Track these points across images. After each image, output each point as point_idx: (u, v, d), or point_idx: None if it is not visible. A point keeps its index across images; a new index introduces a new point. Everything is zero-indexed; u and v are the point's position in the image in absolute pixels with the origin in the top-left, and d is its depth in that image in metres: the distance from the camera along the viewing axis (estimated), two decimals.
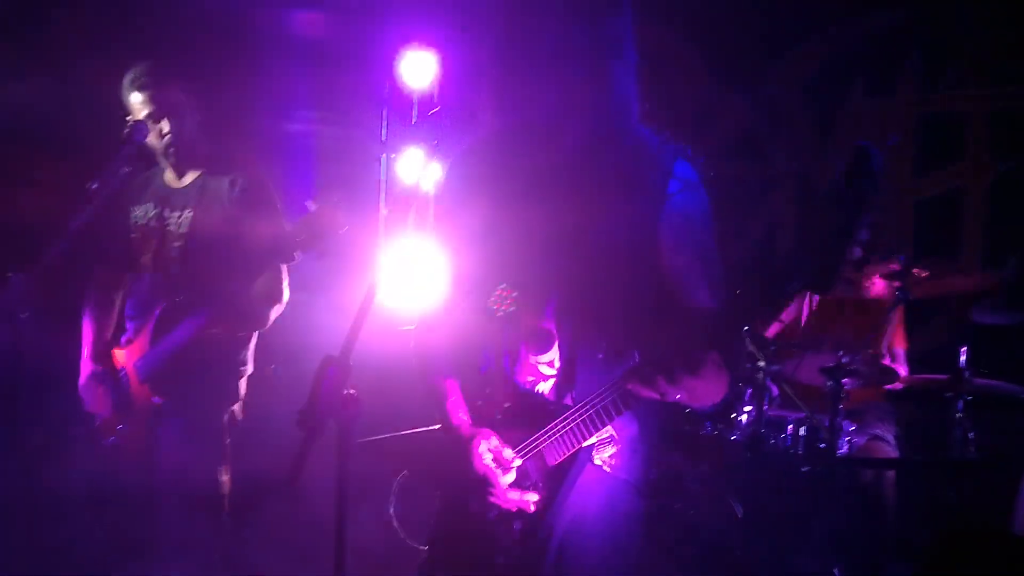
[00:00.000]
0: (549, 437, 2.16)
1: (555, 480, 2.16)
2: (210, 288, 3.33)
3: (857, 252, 1.74)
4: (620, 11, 2.11)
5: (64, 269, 3.30)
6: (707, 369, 1.90)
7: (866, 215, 1.68)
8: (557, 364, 2.19)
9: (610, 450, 2.21)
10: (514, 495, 2.18)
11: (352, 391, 1.95)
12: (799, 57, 5.41)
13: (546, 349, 2.20)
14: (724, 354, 1.93)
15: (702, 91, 5.51)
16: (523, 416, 2.23)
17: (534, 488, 2.18)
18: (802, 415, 3.99)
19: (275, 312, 3.56)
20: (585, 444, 2.13)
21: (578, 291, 2.13)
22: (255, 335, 3.62)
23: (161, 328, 3.39)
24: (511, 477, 2.19)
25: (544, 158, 2.15)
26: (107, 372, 3.50)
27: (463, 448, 2.21)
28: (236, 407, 3.55)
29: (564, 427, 2.13)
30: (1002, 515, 3.55)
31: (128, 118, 3.44)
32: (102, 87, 3.62)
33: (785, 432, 4.04)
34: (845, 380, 3.92)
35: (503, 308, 2.21)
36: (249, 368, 3.60)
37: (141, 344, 3.43)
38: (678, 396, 1.94)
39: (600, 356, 2.15)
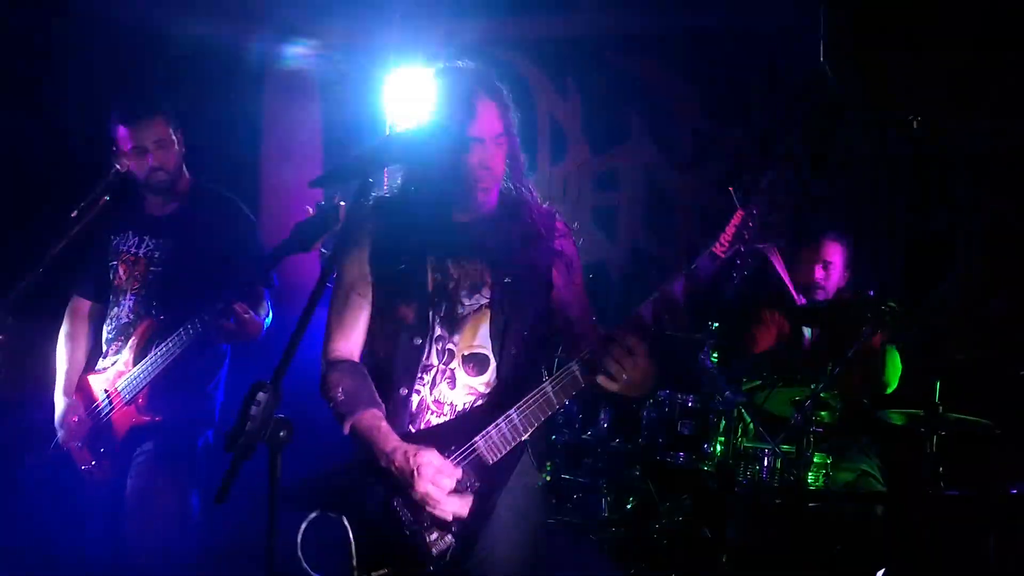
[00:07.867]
0: (487, 438, 2.35)
1: (494, 477, 2.35)
2: (191, 311, 3.36)
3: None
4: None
5: (41, 296, 3.39)
6: (641, 349, 2.25)
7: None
8: (493, 382, 2.46)
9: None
10: (453, 504, 2.32)
11: (283, 415, 2.01)
12: (792, 90, 5.44)
13: (484, 370, 2.47)
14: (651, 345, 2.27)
15: (699, 125, 5.56)
16: (455, 428, 2.42)
17: (471, 489, 2.33)
18: (778, 446, 3.98)
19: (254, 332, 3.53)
20: (524, 438, 2.34)
21: (507, 318, 2.48)
22: (228, 359, 3.70)
23: (144, 348, 3.46)
24: (451, 484, 2.32)
25: (464, 216, 2.53)
26: (83, 403, 3.57)
27: (403, 469, 2.32)
28: (211, 432, 3.63)
29: (505, 425, 2.33)
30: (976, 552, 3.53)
31: (113, 149, 3.55)
32: (88, 119, 3.72)
33: (760, 464, 4.03)
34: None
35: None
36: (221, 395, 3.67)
37: (125, 365, 3.49)
38: (624, 376, 2.24)
39: (523, 373, 2.47)
